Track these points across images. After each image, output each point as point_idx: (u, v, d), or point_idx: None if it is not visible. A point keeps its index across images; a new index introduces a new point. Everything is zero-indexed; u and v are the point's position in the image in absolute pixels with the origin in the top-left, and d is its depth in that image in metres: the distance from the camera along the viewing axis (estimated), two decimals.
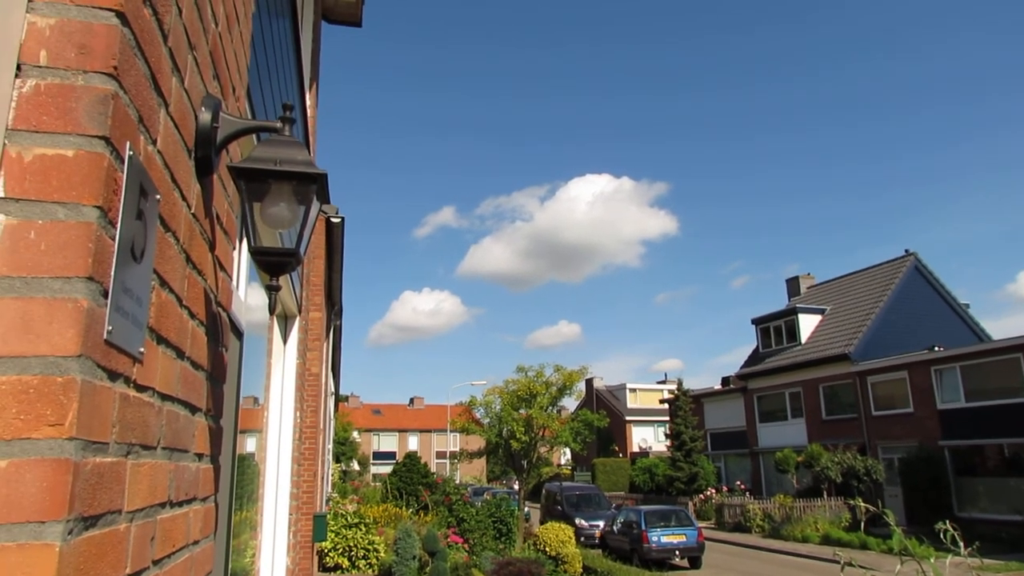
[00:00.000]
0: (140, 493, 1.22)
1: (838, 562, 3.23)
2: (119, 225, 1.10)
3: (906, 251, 33.47)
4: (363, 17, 7.58)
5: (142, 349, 1.21)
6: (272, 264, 1.77)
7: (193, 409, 1.64)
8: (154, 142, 1.31)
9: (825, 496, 25.70)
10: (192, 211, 1.63)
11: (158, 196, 1.31)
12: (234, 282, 2.85)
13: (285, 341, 6.26)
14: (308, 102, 6.48)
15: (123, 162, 1.13)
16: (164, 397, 1.38)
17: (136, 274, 1.18)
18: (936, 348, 26.92)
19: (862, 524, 22.68)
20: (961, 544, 2.81)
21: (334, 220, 11.33)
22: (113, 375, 1.08)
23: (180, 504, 1.52)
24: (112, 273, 1.07)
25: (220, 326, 1.96)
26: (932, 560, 2.95)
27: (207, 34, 1.72)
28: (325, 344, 11.79)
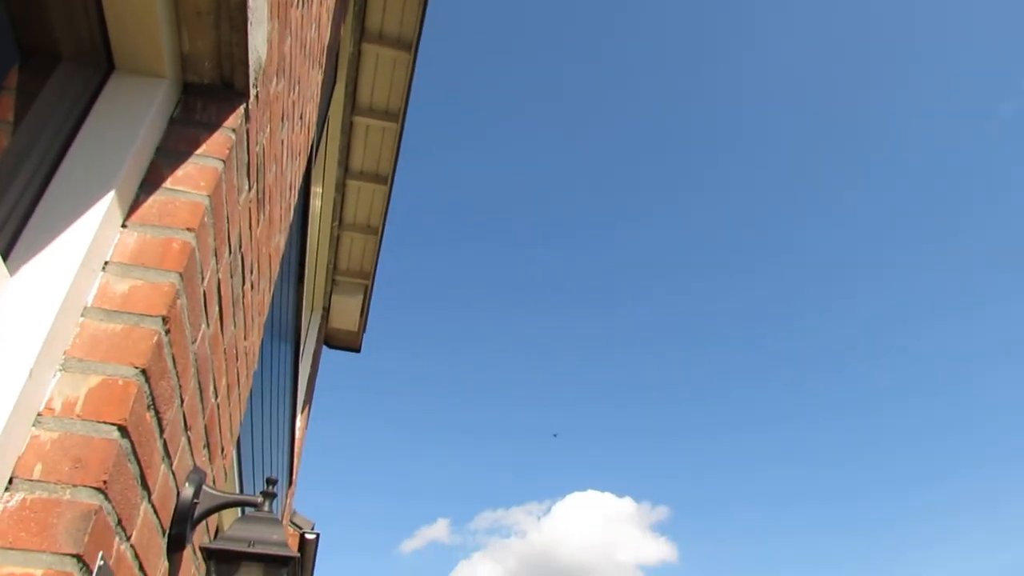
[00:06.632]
0: None
1: None
2: None
3: None
4: (363, 343, 8.02)
5: None
6: None
7: None
8: (128, 539, 1.31)
9: None
10: None
11: None
12: None
13: None
14: (298, 423, 6.58)
15: (91, 574, 1.12)
16: None
17: None
18: None
19: None
20: None
21: (308, 536, 10.83)
22: None
23: None
24: None
25: None
26: None
27: (205, 410, 1.81)
28: None
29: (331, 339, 7.84)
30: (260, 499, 1.77)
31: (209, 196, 1.47)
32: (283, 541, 1.67)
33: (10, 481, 1.09)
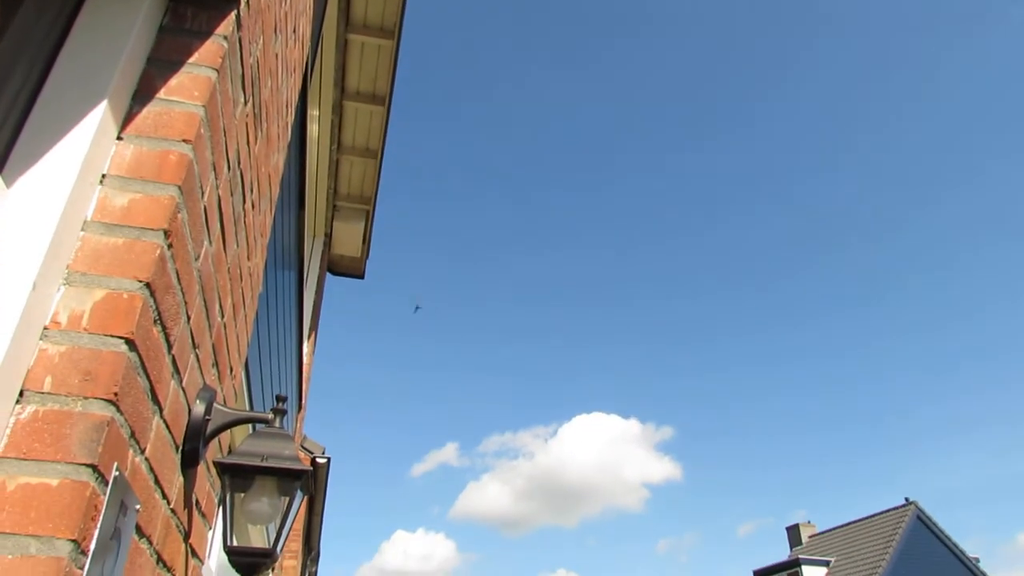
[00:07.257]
0: None
1: None
2: (90, 553, 1.07)
3: (906, 499, 32.53)
4: (366, 270, 8.02)
5: None
6: (246, 565, 1.70)
7: None
8: (142, 451, 1.32)
9: None
10: (171, 506, 1.59)
11: (138, 507, 1.30)
12: (206, 562, 2.72)
13: None
14: (306, 349, 6.64)
15: (107, 484, 1.13)
16: None
17: None
18: None
19: None
20: None
21: (319, 460, 11.07)
22: None
23: None
24: None
25: None
26: None
27: (212, 328, 1.80)
28: None
29: (334, 266, 7.84)
30: (271, 415, 1.79)
31: (204, 106, 1.42)
32: (295, 456, 1.69)
33: (21, 394, 1.09)
